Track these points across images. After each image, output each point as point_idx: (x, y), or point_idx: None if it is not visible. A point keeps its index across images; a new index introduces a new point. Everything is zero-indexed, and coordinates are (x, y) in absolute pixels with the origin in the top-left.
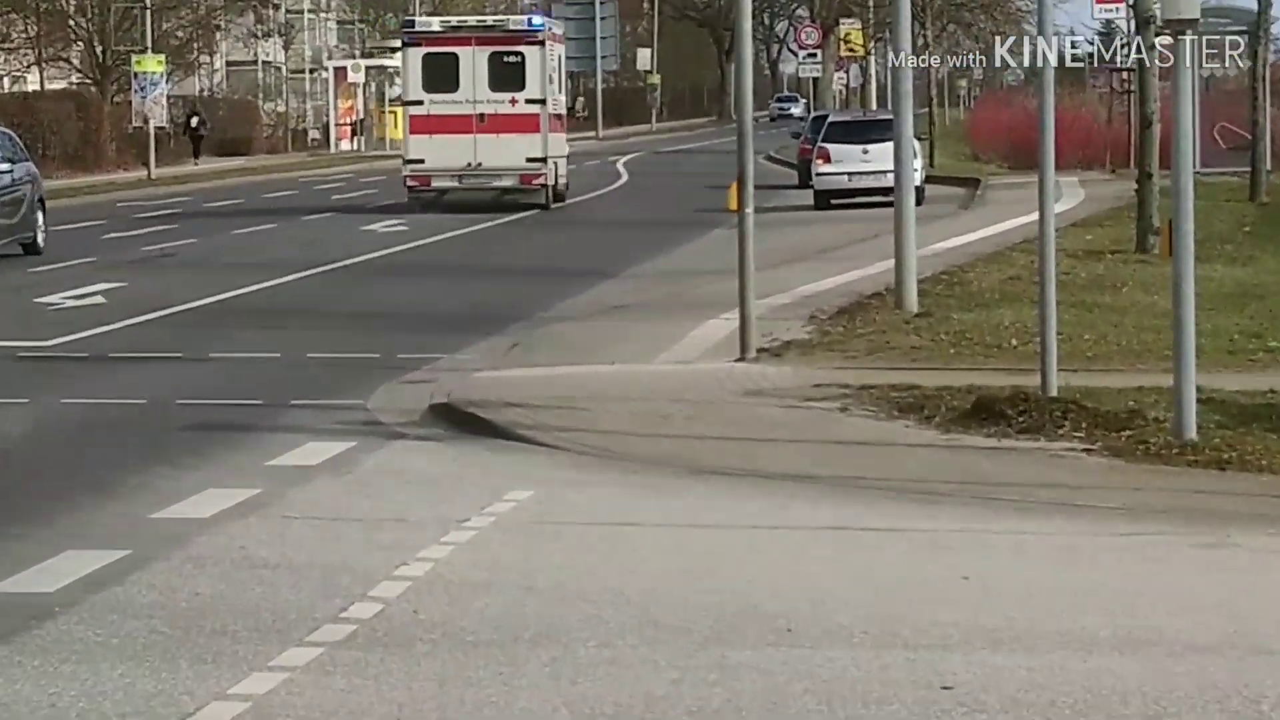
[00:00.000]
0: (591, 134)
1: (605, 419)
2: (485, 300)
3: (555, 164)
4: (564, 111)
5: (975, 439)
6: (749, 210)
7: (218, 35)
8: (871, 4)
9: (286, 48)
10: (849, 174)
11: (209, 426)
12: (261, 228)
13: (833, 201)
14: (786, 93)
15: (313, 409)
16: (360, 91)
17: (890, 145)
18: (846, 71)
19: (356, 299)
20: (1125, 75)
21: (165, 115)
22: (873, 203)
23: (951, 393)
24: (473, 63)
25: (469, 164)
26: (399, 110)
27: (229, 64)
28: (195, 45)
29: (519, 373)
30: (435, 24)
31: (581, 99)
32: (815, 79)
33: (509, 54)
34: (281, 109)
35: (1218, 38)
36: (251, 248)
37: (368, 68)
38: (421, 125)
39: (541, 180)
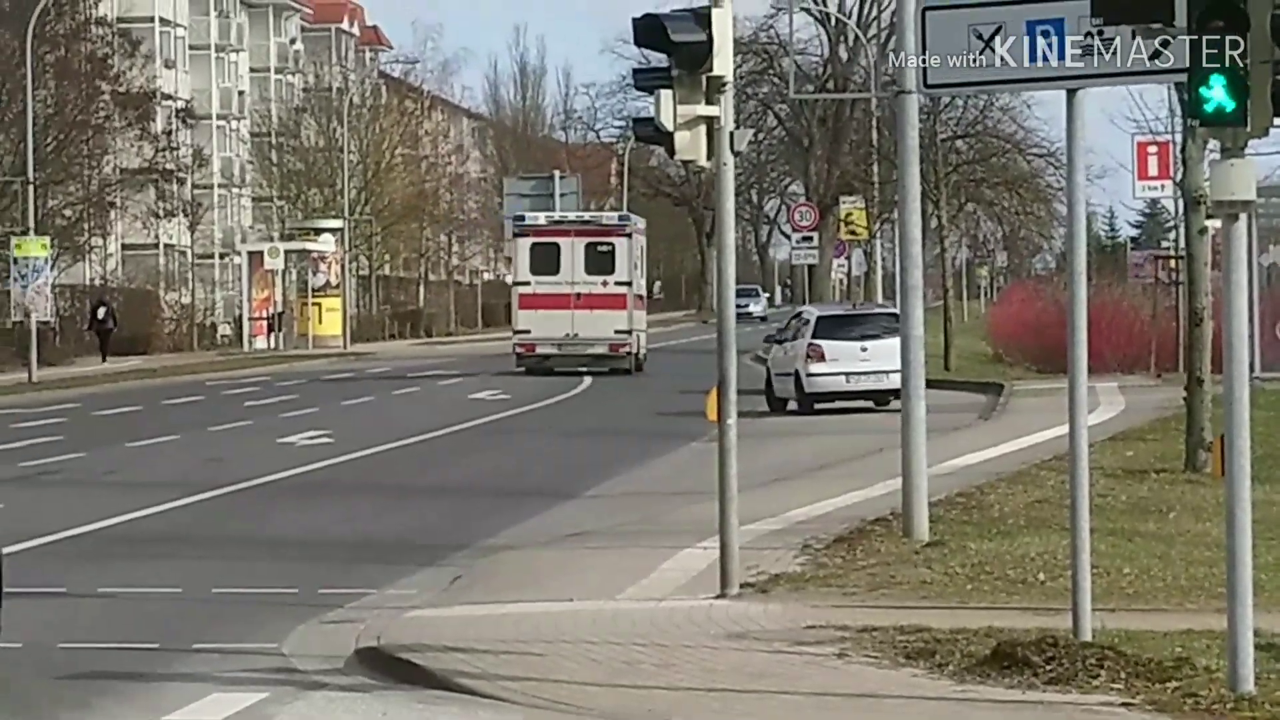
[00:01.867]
0: None
1: (562, 666)
2: (423, 525)
3: (638, 336)
4: (644, 293)
5: (995, 691)
6: (731, 421)
7: (112, 214)
8: (876, 180)
9: (193, 229)
10: (847, 375)
11: (95, 675)
12: (161, 440)
13: (817, 406)
14: (744, 284)
15: (218, 654)
16: (279, 280)
17: (893, 343)
18: (848, 258)
19: (271, 524)
20: (1173, 263)
21: (50, 308)
22: (858, 408)
23: (968, 636)
24: (571, 251)
25: (567, 334)
26: (322, 302)
27: (125, 247)
28: (86, 226)
29: (461, 611)
30: (541, 219)
31: (659, 282)
32: (811, 266)
33: (602, 244)
34: (186, 300)
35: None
36: (148, 463)
37: (288, 252)
38: (529, 303)
39: (628, 349)
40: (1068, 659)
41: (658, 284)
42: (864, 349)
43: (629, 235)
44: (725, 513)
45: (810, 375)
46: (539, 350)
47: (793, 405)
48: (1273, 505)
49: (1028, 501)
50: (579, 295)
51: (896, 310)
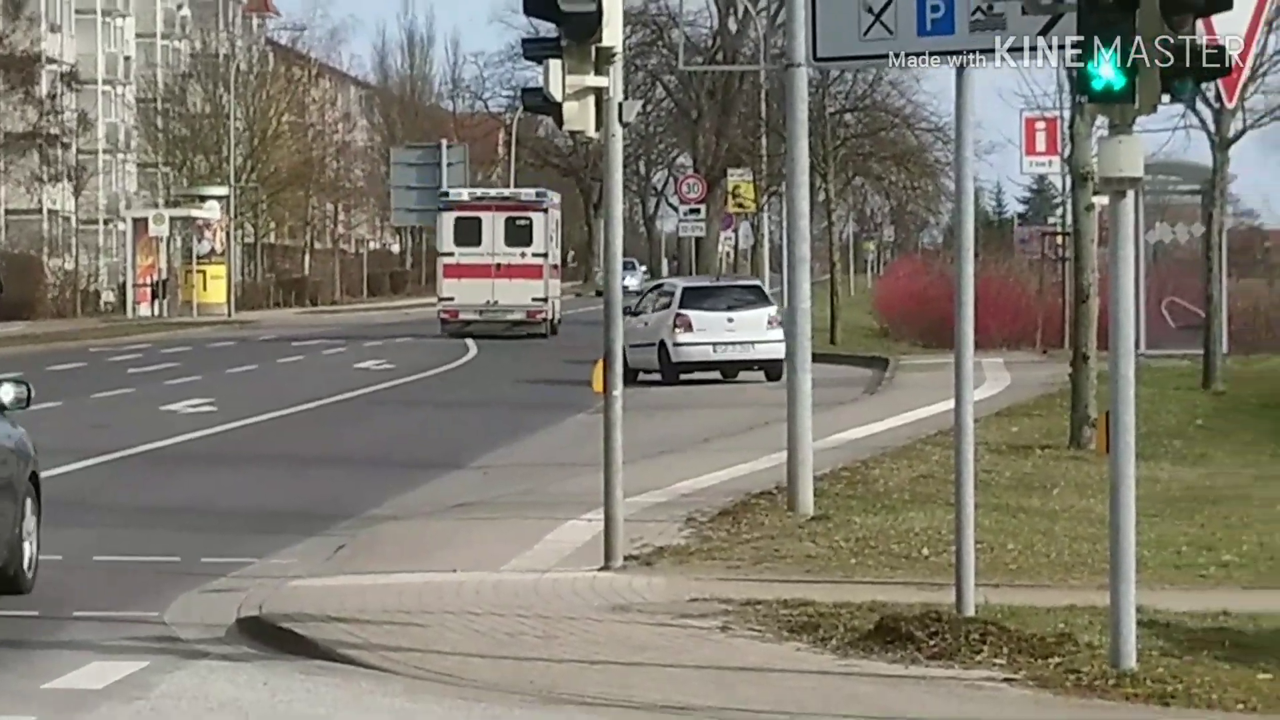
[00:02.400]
0: (432, 299)
1: (445, 637)
2: (306, 494)
3: (553, 303)
4: (559, 264)
5: (878, 665)
6: (617, 393)
7: None
8: (764, 153)
9: (77, 194)
10: (714, 344)
11: None
12: (43, 406)
13: (682, 376)
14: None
15: (99, 622)
16: (164, 247)
17: (758, 314)
18: (735, 230)
19: (153, 492)
20: (1059, 239)
21: None
22: (749, 380)
23: (851, 610)
24: (492, 225)
25: (488, 301)
26: (207, 269)
27: (8, 213)
28: None
29: (344, 581)
30: (465, 194)
31: (572, 252)
32: (698, 238)
33: (520, 218)
34: (70, 266)
35: (1167, 198)
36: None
37: (173, 219)
38: (453, 272)
39: (544, 315)
40: (951, 634)
41: (571, 254)
42: (730, 320)
43: (545, 210)
44: (610, 485)
45: (678, 345)
46: (462, 316)
47: (644, 377)
48: (1156, 482)
49: (912, 476)
50: (499, 265)
51: (758, 283)
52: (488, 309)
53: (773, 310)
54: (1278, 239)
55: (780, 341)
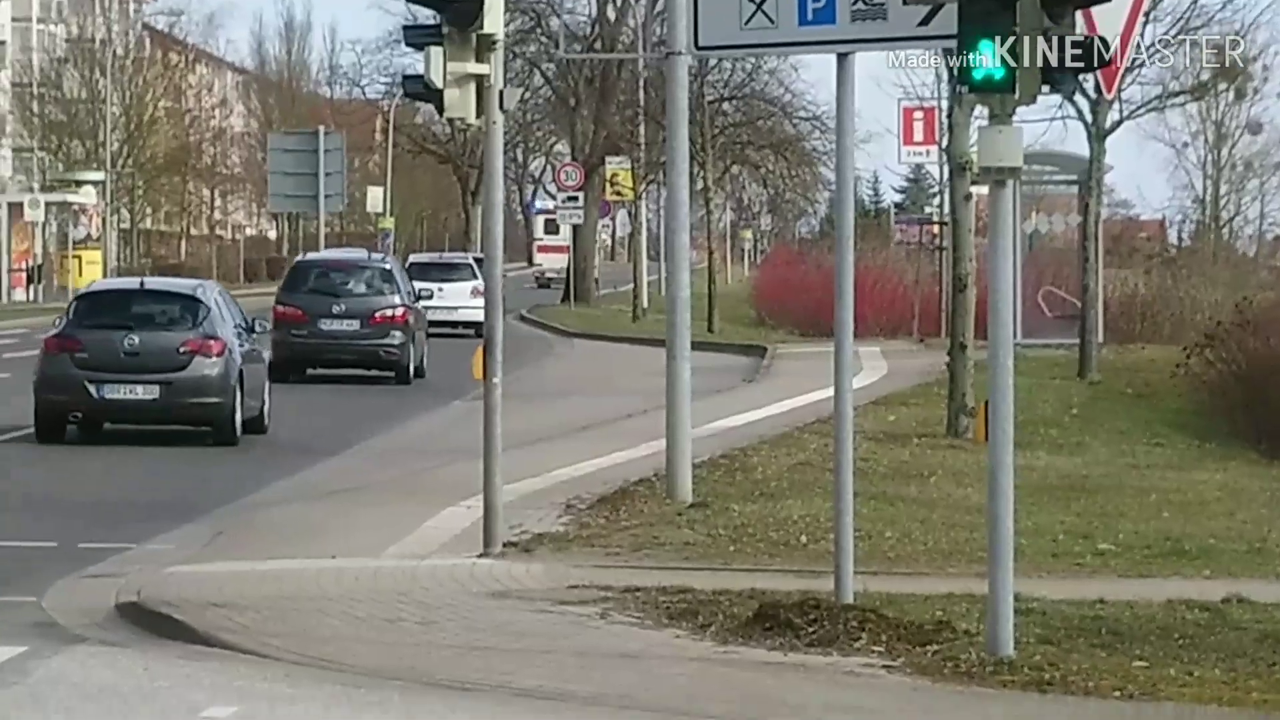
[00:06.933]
0: None
1: (324, 623)
2: (185, 479)
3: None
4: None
5: (757, 652)
6: (497, 379)
7: None
8: (643, 141)
9: None
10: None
11: None
12: None
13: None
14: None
15: None
16: (39, 231)
17: (463, 285)
18: (613, 218)
19: (31, 477)
20: (936, 229)
21: None
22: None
23: (730, 597)
24: None
25: None
26: (83, 255)
27: None
28: None
29: (222, 567)
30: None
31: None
32: (576, 226)
33: None
34: None
35: (1044, 188)
36: None
37: (48, 204)
38: None
39: None
40: (829, 621)
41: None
42: (440, 289)
43: None
44: (489, 471)
45: None
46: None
47: None
48: (1033, 471)
49: (791, 464)
50: None
51: (469, 260)
52: None
53: (477, 283)
54: (1153, 229)
55: (479, 308)
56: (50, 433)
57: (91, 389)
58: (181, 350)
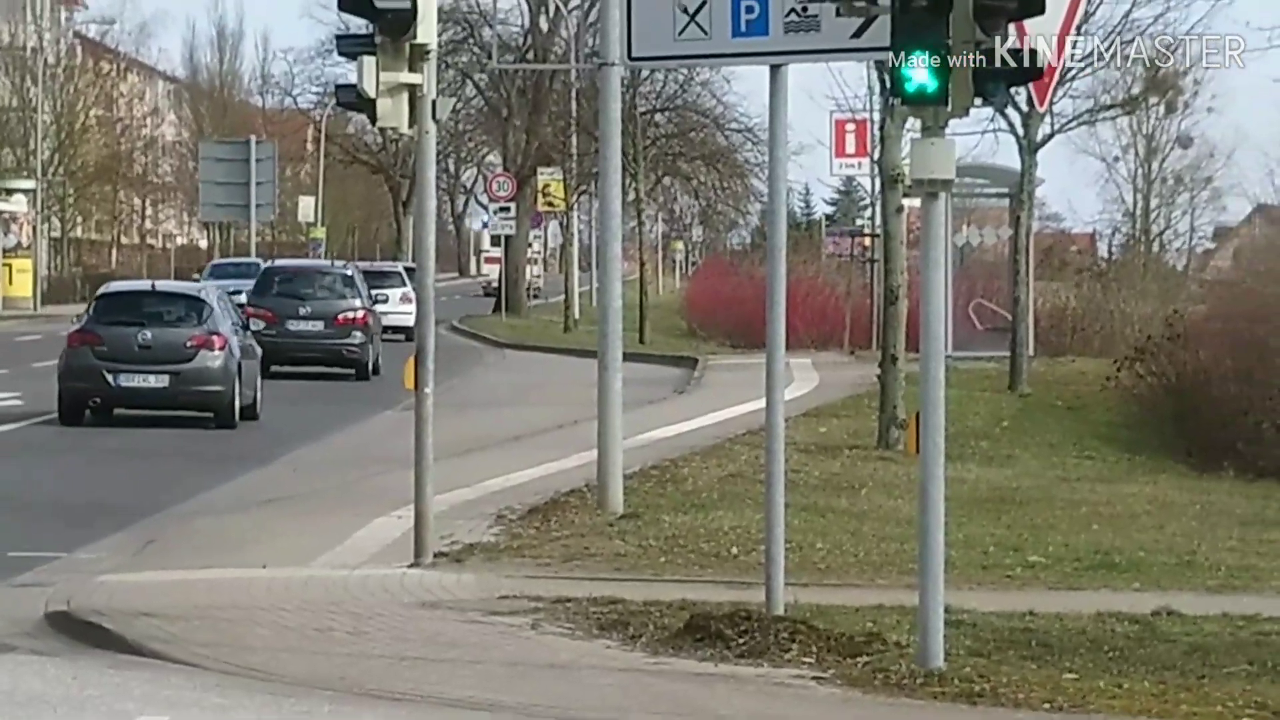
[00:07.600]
0: None
1: (254, 633)
2: (114, 488)
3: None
4: None
5: (688, 663)
6: (428, 389)
7: None
8: (575, 152)
9: None
10: None
11: None
12: None
13: None
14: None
15: None
16: None
17: (396, 291)
18: (545, 229)
19: None
20: (868, 241)
21: None
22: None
23: (661, 608)
24: None
25: None
26: (13, 263)
27: None
28: None
29: (152, 576)
30: None
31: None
32: (508, 237)
33: None
34: None
35: (975, 201)
36: None
37: None
38: None
39: None
40: (760, 632)
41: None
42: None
43: None
44: (420, 481)
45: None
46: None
47: None
48: (963, 483)
49: (721, 475)
50: None
51: (400, 269)
52: None
53: (407, 290)
54: (1084, 242)
55: (410, 313)
56: (72, 416)
57: (109, 378)
58: (188, 344)
